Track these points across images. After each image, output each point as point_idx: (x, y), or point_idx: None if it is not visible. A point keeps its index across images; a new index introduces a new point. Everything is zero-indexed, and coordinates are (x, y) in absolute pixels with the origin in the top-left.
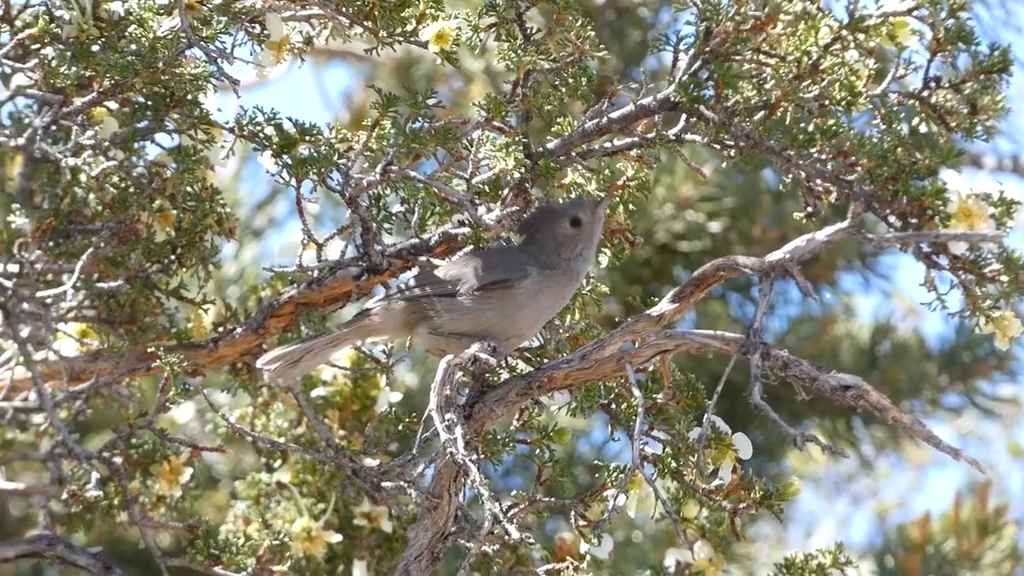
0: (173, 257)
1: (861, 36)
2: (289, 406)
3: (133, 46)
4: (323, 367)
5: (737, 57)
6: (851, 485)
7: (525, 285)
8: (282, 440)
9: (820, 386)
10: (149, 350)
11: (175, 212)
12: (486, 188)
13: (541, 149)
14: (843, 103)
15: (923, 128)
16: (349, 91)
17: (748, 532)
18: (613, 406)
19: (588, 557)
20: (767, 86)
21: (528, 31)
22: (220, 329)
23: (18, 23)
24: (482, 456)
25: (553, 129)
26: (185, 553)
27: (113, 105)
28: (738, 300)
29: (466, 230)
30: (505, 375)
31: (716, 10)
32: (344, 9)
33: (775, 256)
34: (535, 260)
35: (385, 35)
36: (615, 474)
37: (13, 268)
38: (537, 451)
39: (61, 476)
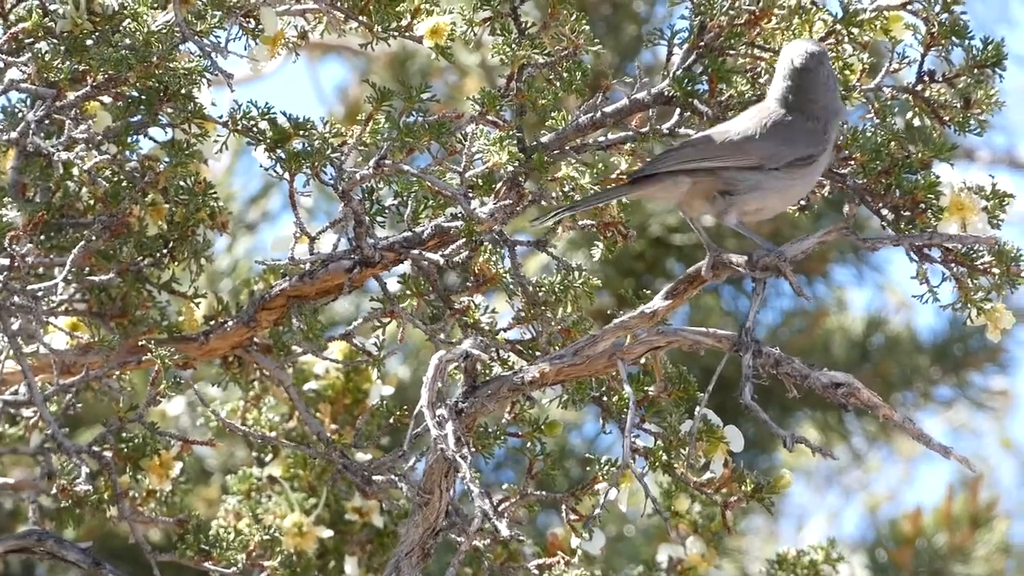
0: (165, 251)
1: (855, 30)
2: (280, 400)
3: (127, 40)
4: (315, 360)
5: (731, 51)
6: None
7: (822, 159)
8: (273, 434)
9: (811, 384)
10: (140, 343)
11: (167, 206)
12: (480, 182)
13: (535, 143)
14: None
15: (917, 122)
16: (344, 85)
17: (739, 526)
18: (604, 399)
19: (579, 552)
20: (761, 80)
21: (523, 25)
22: (212, 322)
23: (12, 17)
24: (473, 451)
25: (547, 123)
26: (175, 548)
27: (107, 99)
28: (731, 293)
29: (459, 223)
30: (497, 369)
31: (711, 4)
32: (339, 4)
33: (768, 257)
34: (816, 122)
35: (380, 30)
36: (606, 468)
37: (4, 261)
38: (528, 444)
39: (51, 470)
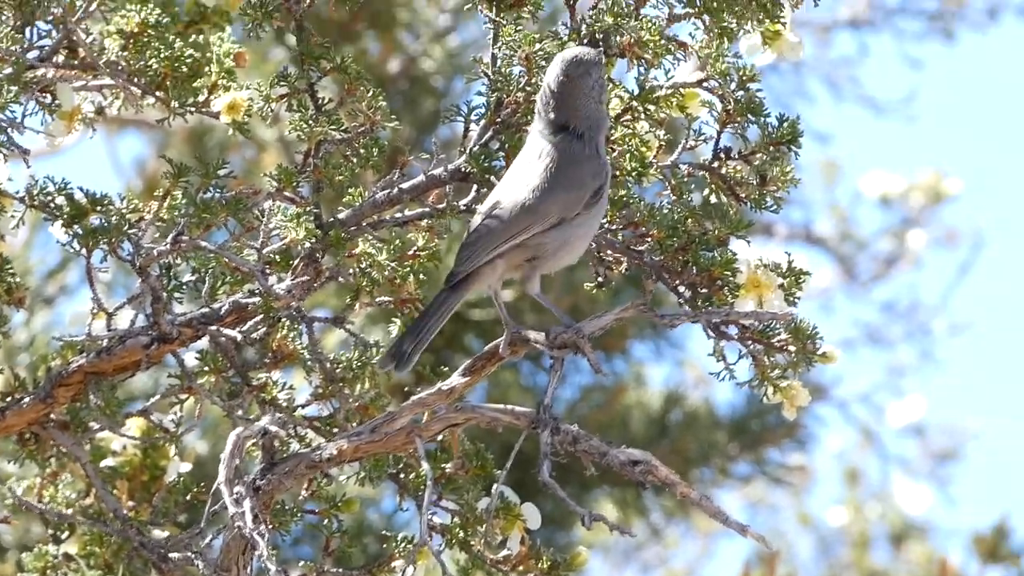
0: None
1: (651, 107)
2: (77, 476)
3: None
4: (113, 436)
5: (527, 128)
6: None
7: (607, 183)
8: (70, 511)
9: (609, 461)
10: None
11: None
12: (277, 258)
13: (332, 219)
14: (634, 173)
15: (713, 199)
16: (143, 158)
17: None
18: (402, 476)
19: None
20: None
21: (320, 101)
22: (8, 398)
23: None
24: (271, 528)
25: (344, 199)
26: None
27: None
28: (530, 369)
29: (257, 300)
30: (295, 445)
31: (507, 81)
32: (136, 79)
33: (566, 334)
34: (586, 144)
35: (177, 105)
36: (403, 545)
37: None
38: (326, 521)
39: None
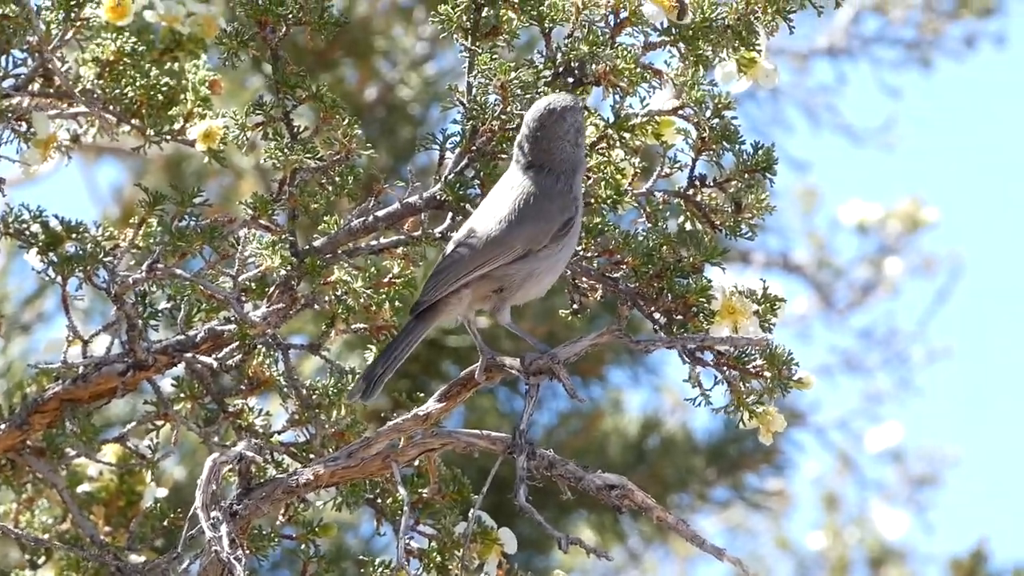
0: None
1: (627, 135)
2: (54, 502)
3: None
4: (89, 462)
5: (504, 156)
6: None
7: (578, 218)
8: (46, 536)
9: (586, 485)
10: None
11: None
12: (252, 285)
13: (308, 247)
14: (609, 201)
15: (688, 226)
16: (119, 185)
17: None
18: (379, 501)
19: None
20: None
21: (296, 129)
22: None
23: None
24: (248, 552)
25: (320, 227)
26: None
27: None
28: (506, 395)
29: (233, 327)
30: (272, 471)
31: (482, 109)
32: (111, 107)
33: (541, 360)
34: (559, 180)
35: (153, 133)
36: (381, 569)
37: None
38: (303, 546)
39: None
